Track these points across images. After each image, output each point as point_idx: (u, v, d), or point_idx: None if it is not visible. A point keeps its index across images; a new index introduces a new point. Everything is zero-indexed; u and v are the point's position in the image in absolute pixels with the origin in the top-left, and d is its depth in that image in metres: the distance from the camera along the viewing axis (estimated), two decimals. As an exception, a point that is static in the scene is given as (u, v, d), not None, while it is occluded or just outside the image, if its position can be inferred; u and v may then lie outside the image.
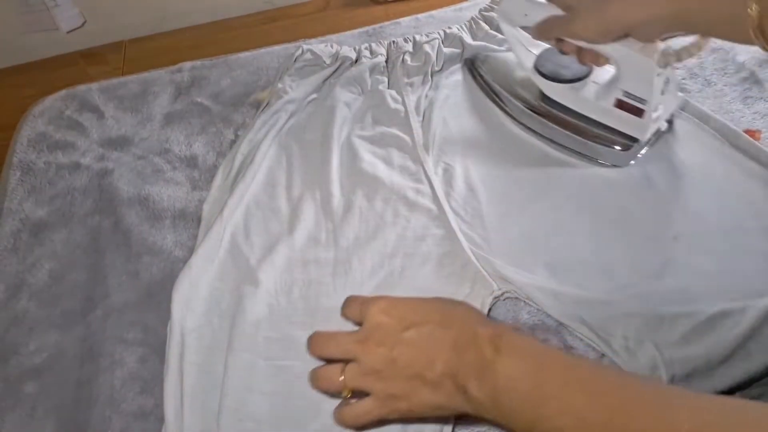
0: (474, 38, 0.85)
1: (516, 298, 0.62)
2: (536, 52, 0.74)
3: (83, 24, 1.00)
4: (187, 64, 0.88)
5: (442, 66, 0.83)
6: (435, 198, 0.69)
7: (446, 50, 0.84)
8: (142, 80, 0.86)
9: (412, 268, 0.64)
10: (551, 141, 0.74)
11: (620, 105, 0.68)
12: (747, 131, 0.71)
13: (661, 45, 0.63)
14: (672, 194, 0.68)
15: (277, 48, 0.91)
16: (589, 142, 0.71)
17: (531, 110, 0.75)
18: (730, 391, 0.57)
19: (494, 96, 0.79)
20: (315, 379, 0.52)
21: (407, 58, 0.83)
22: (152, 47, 0.99)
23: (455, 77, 0.83)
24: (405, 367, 0.48)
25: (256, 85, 0.86)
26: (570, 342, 0.59)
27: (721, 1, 0.54)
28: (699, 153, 0.71)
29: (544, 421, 0.43)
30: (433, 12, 0.95)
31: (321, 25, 0.99)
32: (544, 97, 0.74)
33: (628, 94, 0.67)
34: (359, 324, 0.52)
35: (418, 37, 0.85)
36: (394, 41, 0.85)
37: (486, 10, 0.87)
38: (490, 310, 0.61)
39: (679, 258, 0.62)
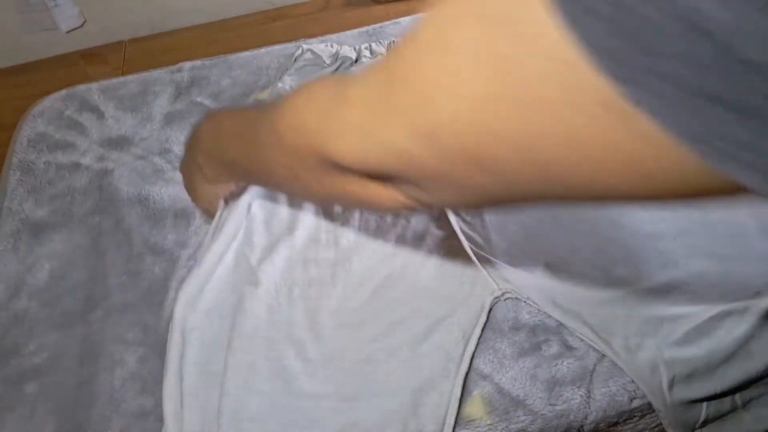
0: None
1: (516, 298, 0.62)
2: None
3: (83, 24, 1.00)
4: (187, 64, 0.88)
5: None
6: None
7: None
8: (142, 80, 0.86)
9: (412, 268, 0.64)
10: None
11: None
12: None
13: None
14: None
15: (277, 48, 0.91)
16: None
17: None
18: (730, 392, 0.57)
19: None
20: None
21: None
22: (152, 47, 0.99)
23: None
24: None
25: (256, 85, 0.86)
26: (570, 342, 0.59)
27: None
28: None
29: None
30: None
31: (321, 25, 0.99)
32: None
33: None
34: None
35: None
36: (394, 41, 0.85)
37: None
38: (490, 310, 0.61)
39: (680, 258, 0.62)
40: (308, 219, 0.68)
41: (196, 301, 0.62)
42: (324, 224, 0.68)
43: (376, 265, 0.65)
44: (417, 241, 0.66)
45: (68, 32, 1.00)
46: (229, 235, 0.65)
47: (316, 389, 0.56)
